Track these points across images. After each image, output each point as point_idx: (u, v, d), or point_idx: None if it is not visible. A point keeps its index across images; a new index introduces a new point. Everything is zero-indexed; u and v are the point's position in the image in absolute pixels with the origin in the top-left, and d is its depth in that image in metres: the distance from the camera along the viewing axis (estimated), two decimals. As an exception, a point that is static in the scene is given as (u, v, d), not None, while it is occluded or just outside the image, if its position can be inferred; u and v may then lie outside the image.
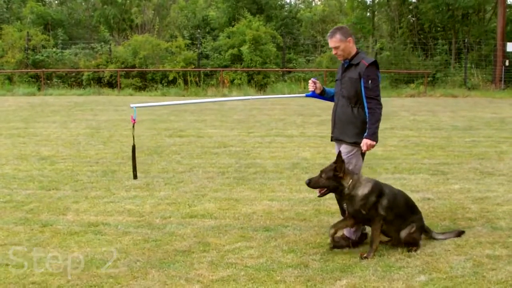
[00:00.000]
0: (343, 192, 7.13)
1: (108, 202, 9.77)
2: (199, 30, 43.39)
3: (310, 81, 7.99)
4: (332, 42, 7.48)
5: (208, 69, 38.79)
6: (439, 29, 42.33)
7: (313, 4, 56.27)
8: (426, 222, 8.31)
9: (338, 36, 7.42)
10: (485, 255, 7.07)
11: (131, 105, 7.71)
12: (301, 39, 45.26)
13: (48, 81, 39.20)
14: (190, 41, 41.75)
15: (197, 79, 37.34)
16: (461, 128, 18.62)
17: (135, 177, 8.00)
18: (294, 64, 40.32)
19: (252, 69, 37.65)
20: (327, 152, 14.11)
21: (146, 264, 6.87)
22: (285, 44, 40.94)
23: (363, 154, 7.62)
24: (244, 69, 37.85)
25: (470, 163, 12.87)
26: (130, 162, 12.67)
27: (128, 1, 46.56)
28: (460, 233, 7.81)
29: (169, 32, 45.08)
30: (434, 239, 7.62)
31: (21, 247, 7.64)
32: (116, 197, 10.10)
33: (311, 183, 7.25)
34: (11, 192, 10.60)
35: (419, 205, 9.20)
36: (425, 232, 7.61)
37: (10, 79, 39.56)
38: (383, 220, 7.15)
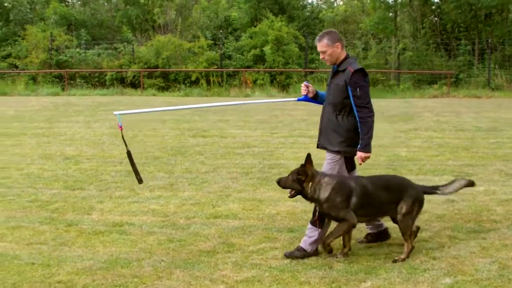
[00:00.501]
0: (306, 195, 7.05)
1: (133, 202, 9.83)
2: (221, 31, 43.40)
3: (302, 85, 7.83)
4: (319, 46, 7.33)
5: (231, 69, 38.81)
6: (462, 29, 41.99)
7: (335, 5, 56.14)
8: (451, 224, 8.31)
9: (325, 40, 7.27)
10: (511, 258, 7.02)
11: (114, 113, 7.72)
12: (323, 39, 45.16)
13: (72, 81, 39.38)
14: (212, 42, 41.79)
15: (220, 79, 37.36)
16: (485, 129, 18.48)
17: (140, 181, 7.86)
18: (317, 64, 40.17)
19: (275, 69, 37.62)
20: (350, 153, 14.07)
21: (170, 264, 6.91)
22: (307, 44, 40.82)
23: (350, 161, 7.47)
24: (267, 69, 37.83)
25: (495, 165, 12.78)
26: (155, 162, 12.90)
27: (150, 2, 46.62)
28: (470, 183, 7.57)
29: (192, 33, 45.06)
30: (445, 194, 7.51)
31: (46, 246, 7.72)
32: (140, 197, 10.16)
33: (280, 183, 7.23)
34: (36, 192, 10.70)
35: (442, 207, 9.24)
36: (434, 192, 7.43)
37: (34, 79, 39.78)
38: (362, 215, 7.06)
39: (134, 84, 38.06)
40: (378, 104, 28.23)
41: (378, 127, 18.59)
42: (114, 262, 6.98)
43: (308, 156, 7.12)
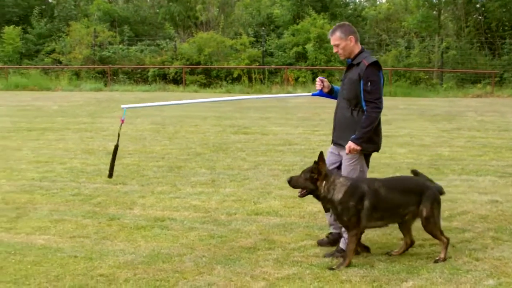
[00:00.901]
0: (319, 195, 6.89)
1: (174, 198, 9.87)
2: (263, 28, 43.43)
3: (317, 79, 7.71)
4: (332, 40, 7.20)
5: (273, 66, 38.83)
6: (506, 28, 41.45)
7: (378, 2, 55.79)
8: (494, 225, 8.22)
9: (338, 33, 7.14)
10: (556, 260, 6.90)
11: (122, 106, 7.72)
12: (366, 37, 44.89)
13: (114, 77, 39.76)
14: (254, 39, 41.84)
15: (262, 76, 37.40)
16: (530, 130, 18.26)
17: (110, 176, 7.83)
18: (359, 62, 40.01)
19: (317, 67, 37.55)
20: (393, 152, 14.00)
21: (211, 260, 6.92)
22: (350, 42, 40.69)
23: (367, 158, 7.33)
24: (309, 67, 37.79)
25: (539, 166, 12.62)
26: (197, 158, 12.94)
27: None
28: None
29: (234, 30, 45.17)
30: None
31: (89, 240, 7.79)
32: (182, 193, 10.20)
33: (291, 182, 7.05)
34: (79, 186, 10.81)
35: (486, 207, 9.13)
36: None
37: (77, 74, 40.23)
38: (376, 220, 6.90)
39: (176, 81, 38.27)
40: (420, 103, 28.16)
41: (420, 126, 18.56)
42: (155, 257, 7.01)
43: (321, 154, 6.95)
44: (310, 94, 8.21)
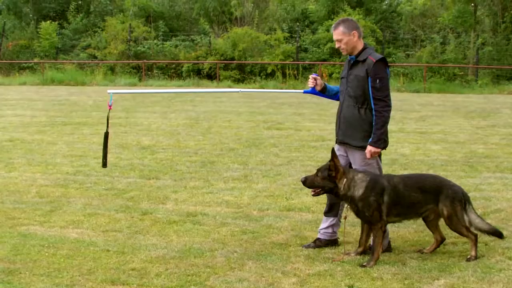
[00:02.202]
0: (339, 193, 6.81)
1: (207, 193, 9.90)
2: (298, 23, 43.32)
3: (310, 77, 7.52)
4: (335, 35, 7.06)
5: (307, 62, 38.75)
6: (544, 23, 40.98)
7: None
8: (529, 226, 8.11)
9: (341, 28, 6.99)
10: None
11: (108, 91, 7.70)
12: (401, 33, 44.63)
13: (149, 72, 39.94)
14: (289, 34, 41.77)
15: (296, 72, 37.34)
16: None
17: (104, 165, 7.87)
18: (394, 58, 39.77)
19: (351, 63, 37.36)
20: (427, 149, 13.92)
21: (243, 255, 6.93)
22: (385, 38, 40.49)
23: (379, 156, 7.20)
24: (343, 63, 37.52)
25: None
26: (230, 154, 12.96)
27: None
28: (496, 233, 6.98)
29: (268, 25, 45.13)
30: (470, 222, 6.88)
31: (121, 234, 7.85)
32: (214, 188, 10.23)
33: (306, 182, 6.95)
34: (112, 180, 10.89)
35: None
36: (464, 205, 6.87)
37: (112, 69, 40.51)
38: (398, 216, 6.90)
39: (210, 76, 38.36)
40: (455, 99, 27.93)
41: (455, 122, 18.40)
42: (187, 252, 7.04)
43: (333, 151, 6.93)
44: (302, 91, 8.01)
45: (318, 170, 6.93)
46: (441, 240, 7.12)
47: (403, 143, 14.70)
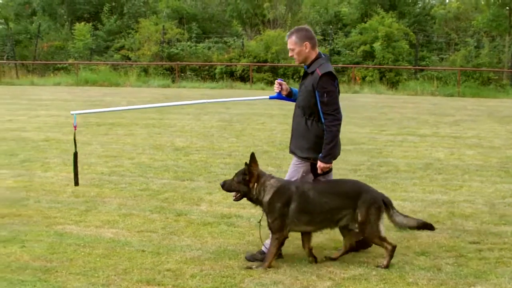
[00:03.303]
0: (252, 198, 6.77)
1: (241, 195, 9.90)
2: (331, 26, 43.26)
3: (276, 82, 7.49)
4: (288, 43, 6.98)
5: (340, 65, 38.62)
6: None
7: (447, 1, 54.95)
8: None
9: (293, 38, 6.91)
10: None
11: (71, 112, 7.71)
12: (434, 36, 44.37)
13: (182, 74, 40.09)
14: (322, 37, 41.71)
15: (329, 75, 37.21)
16: None
17: (76, 183, 7.85)
18: (427, 62, 39.58)
19: (384, 66, 37.22)
20: (461, 154, 13.81)
21: (277, 258, 6.92)
22: (418, 41, 40.24)
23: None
24: (376, 66, 37.49)
25: None
26: (263, 156, 12.96)
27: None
28: (427, 226, 6.89)
29: (301, 28, 45.07)
30: (393, 221, 6.83)
31: (156, 235, 7.89)
32: (249, 190, 10.22)
33: (224, 186, 6.93)
34: (147, 181, 10.95)
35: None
36: (387, 209, 6.77)
37: (145, 71, 40.72)
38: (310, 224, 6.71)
39: (243, 78, 38.41)
40: (489, 104, 27.71)
41: (489, 127, 18.23)
42: (222, 253, 7.06)
43: (253, 156, 6.89)
44: (268, 97, 7.96)
45: (236, 174, 6.92)
46: (350, 248, 6.97)
47: (437, 148, 14.60)
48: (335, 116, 6.74)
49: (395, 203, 9.28)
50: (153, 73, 39.99)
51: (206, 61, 41.00)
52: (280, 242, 6.63)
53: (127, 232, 8.01)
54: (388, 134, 16.67)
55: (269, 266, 6.61)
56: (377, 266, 6.64)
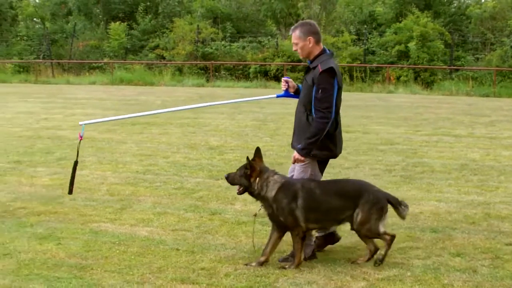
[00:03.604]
0: (253, 192, 6.75)
1: (275, 194, 9.89)
2: (365, 26, 43.04)
3: (282, 80, 7.45)
4: (292, 37, 6.99)
5: (374, 65, 38.44)
6: None
7: (483, 0, 54.44)
8: None
9: (297, 32, 6.90)
10: None
11: (80, 123, 7.73)
12: (470, 36, 43.96)
13: (216, 73, 40.18)
14: (356, 37, 41.55)
15: (363, 75, 37.10)
16: None
17: (70, 192, 7.73)
18: (462, 62, 39.22)
19: (419, 66, 36.95)
20: (497, 154, 13.68)
21: (311, 258, 6.91)
22: (453, 41, 39.90)
23: (323, 165, 7.09)
24: (411, 65, 37.24)
25: None
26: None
27: (295, -5, 46.94)
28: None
29: (335, 27, 44.93)
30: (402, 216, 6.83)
31: (190, 233, 7.93)
32: (282, 190, 10.21)
33: (229, 178, 6.94)
34: (181, 180, 11.01)
35: None
36: (395, 206, 6.74)
37: (180, 70, 40.86)
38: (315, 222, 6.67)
39: (277, 78, 38.31)
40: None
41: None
42: (256, 253, 7.05)
43: (257, 150, 6.91)
44: (275, 95, 7.93)
45: (239, 167, 6.93)
46: (375, 250, 6.88)
47: (473, 148, 14.47)
48: (325, 114, 6.67)
49: (430, 204, 9.31)
50: (188, 73, 40.11)
51: (240, 61, 41.04)
52: (301, 236, 6.60)
53: (162, 230, 8.06)
54: (423, 135, 16.55)
55: (300, 263, 6.62)
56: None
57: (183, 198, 9.73)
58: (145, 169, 11.88)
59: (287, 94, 7.48)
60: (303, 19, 44.54)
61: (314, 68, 6.82)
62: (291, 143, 7.30)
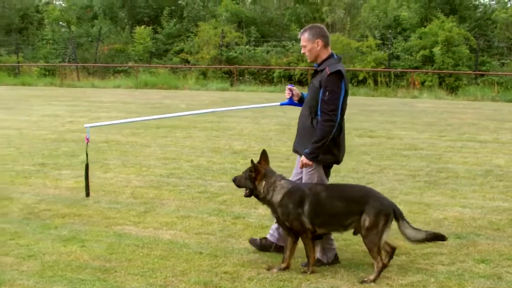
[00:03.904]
0: (258, 195, 6.72)
1: (298, 199, 9.88)
2: (390, 31, 42.90)
3: (286, 88, 7.48)
4: (301, 40, 6.97)
5: (399, 70, 38.26)
6: None
7: (509, 5, 54.07)
8: None
9: (306, 35, 6.91)
10: None
11: (85, 125, 7.78)
12: (495, 41, 43.67)
13: (240, 77, 40.20)
14: (381, 41, 41.41)
15: (387, 79, 36.97)
16: None
17: (87, 195, 7.91)
18: (488, 67, 38.95)
19: (444, 71, 36.75)
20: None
21: (335, 263, 6.90)
22: (479, 46, 39.65)
23: (327, 170, 7.03)
24: (435, 71, 37.04)
25: None
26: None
27: (319, 0, 46.88)
28: (437, 237, 6.73)
29: (360, 32, 44.85)
30: (405, 236, 6.68)
31: (214, 237, 7.94)
32: (305, 195, 10.20)
33: (236, 181, 6.93)
34: (205, 183, 11.03)
35: None
36: (396, 219, 6.61)
37: (204, 74, 40.93)
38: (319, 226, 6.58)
39: (301, 82, 38.29)
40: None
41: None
42: (279, 257, 7.03)
43: (263, 153, 6.92)
44: (279, 104, 7.96)
45: (245, 170, 6.91)
46: (391, 251, 6.77)
47: (498, 154, 14.34)
48: (331, 117, 6.65)
49: (454, 209, 9.26)
50: (212, 77, 40.19)
51: (264, 65, 41.05)
52: (310, 237, 6.59)
53: (185, 234, 8.08)
54: (448, 140, 16.45)
55: (314, 263, 6.63)
56: (362, 281, 6.40)
57: (206, 202, 9.75)
58: (169, 173, 11.93)
59: (291, 102, 7.53)
60: (327, 23, 44.61)
61: (322, 71, 6.81)
62: (293, 147, 7.30)
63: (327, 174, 7.08)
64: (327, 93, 6.63)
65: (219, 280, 6.39)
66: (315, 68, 7.07)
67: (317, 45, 6.89)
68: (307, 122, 6.93)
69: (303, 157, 6.76)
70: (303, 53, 7.07)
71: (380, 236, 6.44)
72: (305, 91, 7.46)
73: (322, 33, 6.94)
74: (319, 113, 6.72)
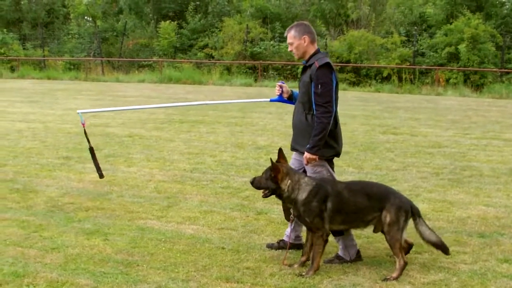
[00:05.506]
0: (282, 195, 6.63)
1: (321, 195, 9.87)
2: (415, 27, 42.64)
3: (276, 85, 7.48)
4: (287, 38, 6.97)
5: (424, 67, 38.07)
6: None
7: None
8: None
9: (292, 32, 6.92)
10: None
11: (78, 111, 7.69)
12: (521, 38, 43.34)
13: (264, 73, 40.19)
14: (406, 38, 41.19)
15: (412, 76, 36.78)
16: None
17: (100, 176, 7.90)
18: (514, 64, 38.68)
19: (469, 68, 36.48)
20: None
21: (357, 260, 6.90)
22: (505, 43, 39.30)
23: (329, 163, 7.01)
24: (461, 68, 36.79)
25: None
26: (345, 157, 12.86)
27: (344, -4, 46.77)
28: (443, 248, 6.68)
29: (385, 28, 44.63)
30: (418, 230, 6.64)
31: (236, 232, 7.96)
32: (328, 191, 10.18)
33: (254, 183, 6.82)
34: (228, 179, 11.06)
35: None
36: (413, 217, 6.62)
37: (228, 69, 40.93)
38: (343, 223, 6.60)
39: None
40: None
41: None
42: (301, 254, 7.04)
43: (280, 151, 6.85)
44: (268, 100, 7.96)
45: (264, 170, 6.83)
46: (408, 247, 6.80)
47: (523, 153, 14.27)
48: (327, 109, 6.68)
49: (478, 208, 9.21)
50: (236, 72, 40.19)
51: (288, 61, 40.98)
52: (324, 239, 6.56)
53: (208, 229, 8.10)
54: (472, 138, 16.35)
55: (318, 268, 6.55)
56: (385, 279, 6.38)
57: (229, 197, 9.77)
58: (192, 168, 11.96)
59: (280, 99, 7.57)
60: (352, 20, 44.47)
61: (311, 66, 6.84)
62: (291, 146, 7.28)
63: (331, 167, 7.09)
64: (319, 86, 6.69)
65: (241, 276, 6.40)
66: (303, 64, 7.08)
67: (304, 42, 6.92)
68: (302, 118, 6.97)
69: (306, 153, 6.76)
70: (290, 51, 7.09)
71: (401, 232, 6.46)
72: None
73: (308, 30, 6.98)
74: (314, 107, 6.76)
